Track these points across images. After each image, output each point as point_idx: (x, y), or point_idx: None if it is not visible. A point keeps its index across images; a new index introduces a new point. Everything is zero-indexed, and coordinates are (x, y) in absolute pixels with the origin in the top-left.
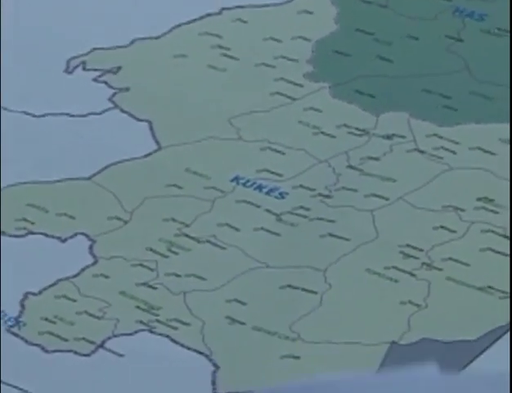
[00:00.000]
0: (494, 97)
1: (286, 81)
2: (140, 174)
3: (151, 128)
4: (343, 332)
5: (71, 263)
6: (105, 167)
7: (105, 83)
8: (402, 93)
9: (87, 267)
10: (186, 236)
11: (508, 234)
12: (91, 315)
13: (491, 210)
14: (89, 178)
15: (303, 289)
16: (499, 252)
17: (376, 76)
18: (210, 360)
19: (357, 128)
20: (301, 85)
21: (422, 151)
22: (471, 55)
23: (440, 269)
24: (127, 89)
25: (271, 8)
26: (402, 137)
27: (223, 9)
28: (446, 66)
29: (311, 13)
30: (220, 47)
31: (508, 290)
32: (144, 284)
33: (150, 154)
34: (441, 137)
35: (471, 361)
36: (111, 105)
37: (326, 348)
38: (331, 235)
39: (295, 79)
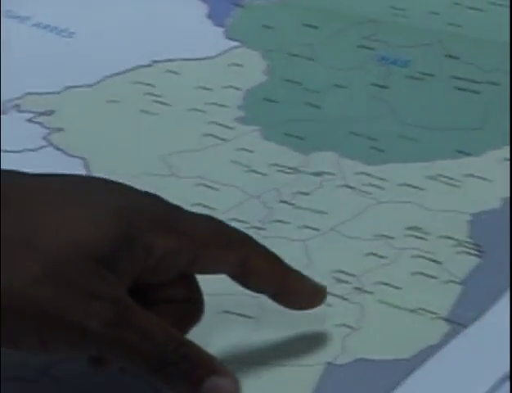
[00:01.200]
0: (419, 139)
1: (218, 124)
2: None
3: (86, 165)
4: (279, 353)
5: None
6: None
7: (40, 123)
8: (331, 136)
9: None
10: None
11: (437, 259)
12: None
13: (420, 237)
14: None
15: (239, 314)
16: (428, 275)
17: (305, 120)
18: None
19: (287, 167)
20: (232, 128)
21: (351, 187)
22: (397, 100)
23: (371, 293)
24: (61, 129)
25: (202, 61)
26: (332, 174)
27: (154, 61)
28: (372, 111)
29: (241, 66)
30: (152, 94)
31: (439, 311)
32: None
33: None
34: (369, 175)
35: (404, 379)
36: (45, 143)
37: (264, 369)
38: None
39: (227, 123)
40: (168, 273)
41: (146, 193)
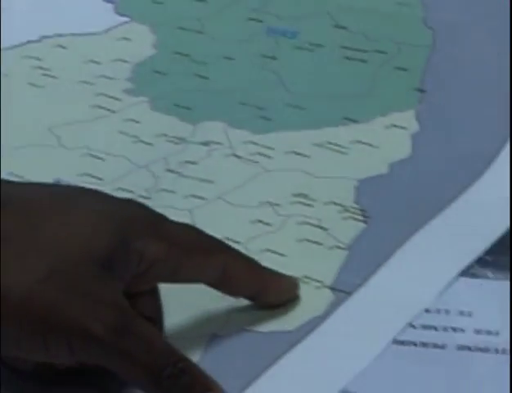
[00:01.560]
0: (307, 107)
1: (106, 96)
2: None
3: None
4: (165, 325)
5: None
6: None
7: None
8: (219, 106)
9: None
10: None
11: (323, 225)
12: None
13: (306, 204)
14: None
15: None
16: (314, 242)
17: (193, 91)
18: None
19: (174, 137)
20: (120, 99)
21: (238, 156)
22: (285, 70)
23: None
24: None
25: (91, 36)
26: (219, 143)
27: (44, 37)
28: (261, 82)
29: (130, 40)
30: (40, 67)
31: (324, 279)
32: None
33: None
34: (256, 144)
35: (289, 350)
36: None
37: None
38: None
39: (115, 94)
40: (152, 281)
41: (131, 200)
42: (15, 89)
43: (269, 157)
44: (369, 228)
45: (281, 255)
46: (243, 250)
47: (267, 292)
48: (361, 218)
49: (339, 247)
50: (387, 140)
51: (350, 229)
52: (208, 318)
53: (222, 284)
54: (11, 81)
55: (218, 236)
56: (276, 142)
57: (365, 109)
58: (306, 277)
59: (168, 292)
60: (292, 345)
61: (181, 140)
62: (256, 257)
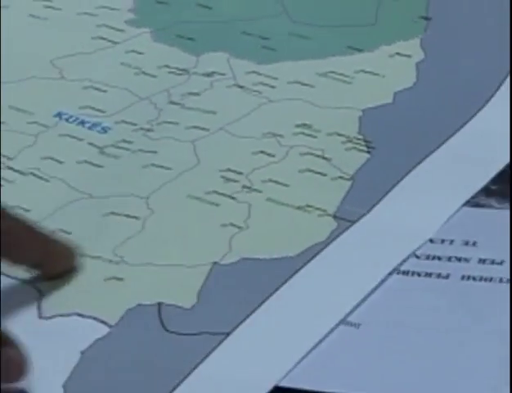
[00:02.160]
0: (311, 37)
1: (108, 27)
2: None
3: None
4: (165, 254)
5: None
6: None
7: None
8: (221, 36)
9: None
10: (10, 168)
11: (326, 155)
12: None
13: (309, 135)
14: None
15: (126, 215)
16: (317, 172)
17: (195, 22)
18: (35, 287)
19: (177, 68)
20: (122, 30)
21: (241, 86)
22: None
23: (260, 191)
24: None
25: None
26: (222, 74)
27: None
28: (265, 11)
29: None
30: None
31: (327, 208)
32: None
33: None
34: (260, 74)
35: (291, 277)
36: None
37: (149, 270)
38: (153, 165)
39: (117, 25)
40: None
41: None
42: (16, 21)
43: (272, 87)
44: (372, 159)
45: (284, 185)
46: (246, 182)
47: (49, 261)
48: (364, 148)
49: (342, 178)
50: (391, 69)
51: (354, 160)
52: (209, 246)
53: (3, 251)
54: (12, 13)
55: (221, 167)
56: (280, 72)
57: (369, 38)
58: (308, 205)
59: (170, 224)
60: (294, 271)
61: (184, 71)
62: (259, 187)
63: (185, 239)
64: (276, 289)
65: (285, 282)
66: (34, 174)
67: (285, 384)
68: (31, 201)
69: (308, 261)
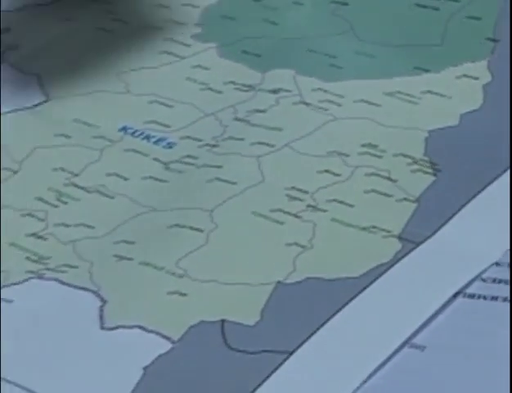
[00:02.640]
0: (377, 56)
1: (174, 41)
2: (29, 124)
3: (40, 82)
4: (229, 271)
5: None
6: None
7: None
8: (288, 53)
9: None
10: (75, 186)
11: (392, 176)
12: None
13: (375, 155)
14: None
15: (190, 227)
16: (383, 193)
17: (262, 38)
18: (98, 296)
19: (243, 85)
20: (189, 45)
21: (307, 104)
22: (356, 17)
23: (324, 211)
24: (16, 46)
25: None
26: (288, 91)
27: None
28: (331, 28)
29: None
30: (109, 12)
31: (392, 229)
32: (33, 235)
33: (39, 104)
34: (326, 91)
35: (354, 297)
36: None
37: (213, 287)
38: (218, 179)
39: (183, 40)
40: None
41: None
42: (83, 33)
43: (339, 105)
44: (438, 181)
45: (349, 205)
46: (310, 201)
47: None
48: (430, 170)
49: (407, 200)
50: (458, 90)
51: (419, 182)
52: (273, 265)
53: None
54: (79, 25)
55: (286, 185)
56: (346, 90)
57: (436, 58)
58: (373, 226)
59: (234, 239)
60: (357, 291)
61: (250, 87)
62: (324, 207)
63: (249, 256)
64: (340, 309)
65: (349, 302)
66: (99, 191)
67: None
68: (96, 217)
69: (372, 282)
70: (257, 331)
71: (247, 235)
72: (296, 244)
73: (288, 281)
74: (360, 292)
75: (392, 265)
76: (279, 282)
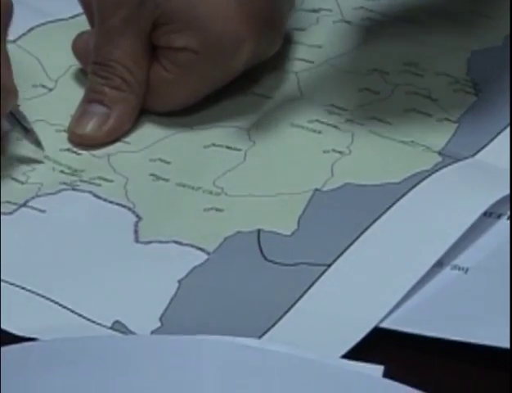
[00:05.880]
0: None
1: None
2: (65, 37)
3: None
4: (266, 184)
5: None
6: (30, 29)
7: None
8: None
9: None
10: None
11: (432, 96)
12: (14, 179)
13: (416, 74)
14: (14, 41)
15: (227, 147)
16: (423, 112)
17: None
18: (133, 212)
19: None
20: None
21: (348, 22)
22: None
23: (363, 125)
24: None
25: None
26: (329, 10)
27: None
28: None
29: None
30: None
31: (431, 146)
32: (68, 150)
33: (74, 16)
34: (368, 10)
35: (394, 203)
36: None
37: (250, 200)
38: (254, 94)
39: None
40: None
41: None
42: None
43: (380, 23)
44: (480, 102)
45: (388, 123)
46: (349, 116)
47: None
48: (472, 90)
49: (448, 119)
50: (503, 12)
51: (461, 102)
52: (310, 173)
53: None
54: None
55: (325, 102)
56: (388, 8)
57: None
58: (412, 141)
59: (271, 153)
60: (397, 197)
61: None
62: (362, 123)
63: (286, 167)
64: (379, 216)
65: (388, 208)
66: None
67: (386, 325)
68: (131, 133)
69: (412, 188)
70: (294, 240)
71: (284, 147)
72: (334, 150)
73: (325, 188)
74: (399, 198)
75: (432, 172)
76: (316, 190)
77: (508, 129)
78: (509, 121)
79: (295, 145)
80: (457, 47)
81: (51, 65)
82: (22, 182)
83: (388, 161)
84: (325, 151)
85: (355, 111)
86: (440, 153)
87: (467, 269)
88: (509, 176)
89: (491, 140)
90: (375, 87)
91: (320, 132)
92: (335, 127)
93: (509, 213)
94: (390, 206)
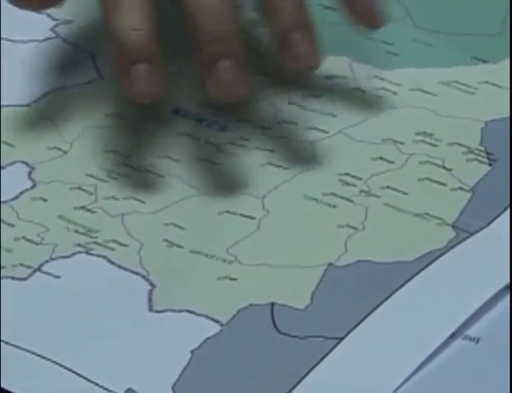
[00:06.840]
0: (434, 44)
1: None
2: (80, 102)
3: (93, 59)
4: (280, 255)
5: (9, 187)
6: (46, 94)
7: (48, 14)
8: (344, 40)
9: (26, 190)
10: (126, 165)
11: (446, 165)
12: (28, 241)
13: (430, 144)
14: (28, 105)
15: (241, 214)
16: (437, 182)
17: (318, 24)
18: (147, 280)
19: None
20: None
21: (363, 91)
22: (413, 4)
23: (378, 196)
24: (69, 22)
25: None
26: (344, 77)
27: None
28: (388, 15)
29: None
30: None
31: (445, 217)
32: (82, 208)
33: (90, 82)
34: (382, 79)
35: (406, 282)
36: (53, 34)
37: (263, 270)
38: (270, 164)
39: None
40: None
41: None
42: None
43: (394, 93)
44: (494, 171)
45: (403, 192)
46: (364, 187)
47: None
48: (486, 160)
49: (462, 189)
50: None
51: (474, 171)
52: (324, 247)
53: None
54: None
55: (339, 171)
56: (402, 78)
57: (494, 49)
58: (426, 213)
59: (285, 224)
60: (410, 276)
61: None
62: (377, 193)
63: (300, 239)
64: (392, 294)
65: (401, 286)
66: (150, 171)
67: None
68: (146, 193)
69: (425, 267)
70: (307, 315)
71: (298, 219)
72: (348, 226)
73: (339, 263)
74: (412, 277)
75: (445, 252)
76: (330, 264)
77: None
78: None
79: (309, 218)
80: (470, 118)
81: (66, 127)
82: (36, 243)
83: (402, 238)
84: (339, 226)
85: (369, 180)
86: (454, 226)
87: (478, 339)
88: None
89: (505, 209)
90: (390, 156)
91: (334, 206)
92: (350, 201)
93: None
94: (403, 284)
